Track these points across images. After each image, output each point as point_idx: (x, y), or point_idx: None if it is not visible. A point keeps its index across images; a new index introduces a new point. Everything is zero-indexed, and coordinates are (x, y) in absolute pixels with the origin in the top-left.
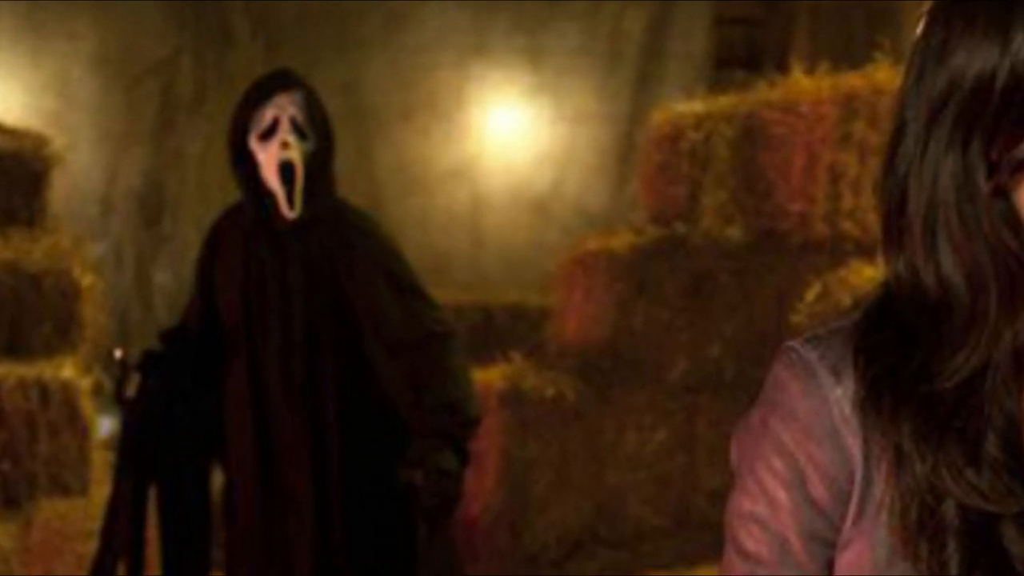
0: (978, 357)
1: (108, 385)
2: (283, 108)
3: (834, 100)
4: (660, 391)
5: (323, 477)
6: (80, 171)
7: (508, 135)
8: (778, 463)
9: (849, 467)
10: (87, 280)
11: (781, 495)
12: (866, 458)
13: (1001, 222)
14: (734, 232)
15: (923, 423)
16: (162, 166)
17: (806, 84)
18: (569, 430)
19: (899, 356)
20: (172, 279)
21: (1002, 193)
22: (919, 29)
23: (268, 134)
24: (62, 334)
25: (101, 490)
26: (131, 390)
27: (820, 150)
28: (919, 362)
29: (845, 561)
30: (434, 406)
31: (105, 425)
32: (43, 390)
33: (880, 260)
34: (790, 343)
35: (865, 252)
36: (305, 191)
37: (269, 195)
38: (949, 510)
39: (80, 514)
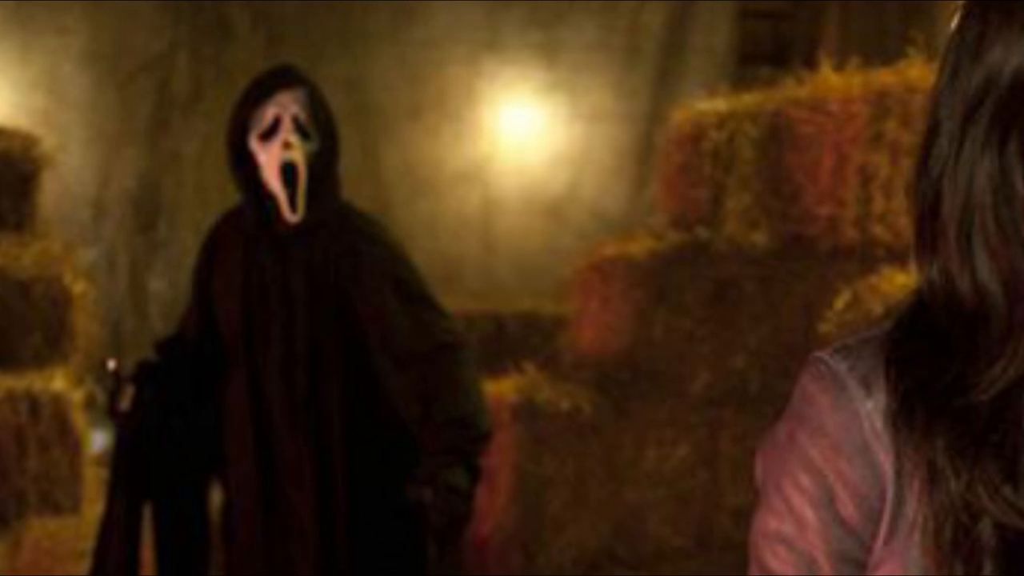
0: (1015, 368)
1: (101, 398)
2: (285, 106)
3: (865, 98)
4: (681, 405)
5: (327, 495)
6: (71, 173)
7: (522, 135)
8: (806, 480)
9: (880, 484)
10: (79, 287)
11: (809, 514)
12: (898, 475)
13: None
14: (759, 237)
15: (958, 438)
16: (157, 167)
17: (835, 81)
18: (585, 445)
19: (933, 367)
20: (168, 286)
21: None
22: (954, 23)
23: (269, 134)
24: (52, 344)
25: (94, 508)
26: (125, 403)
27: (850, 151)
28: (954, 373)
29: None
30: (444, 420)
31: (98, 440)
32: (33, 403)
33: (913, 266)
34: (818, 354)
35: (897, 258)
36: (308, 194)
37: (270, 198)
38: (985, 529)
39: (72, 533)
